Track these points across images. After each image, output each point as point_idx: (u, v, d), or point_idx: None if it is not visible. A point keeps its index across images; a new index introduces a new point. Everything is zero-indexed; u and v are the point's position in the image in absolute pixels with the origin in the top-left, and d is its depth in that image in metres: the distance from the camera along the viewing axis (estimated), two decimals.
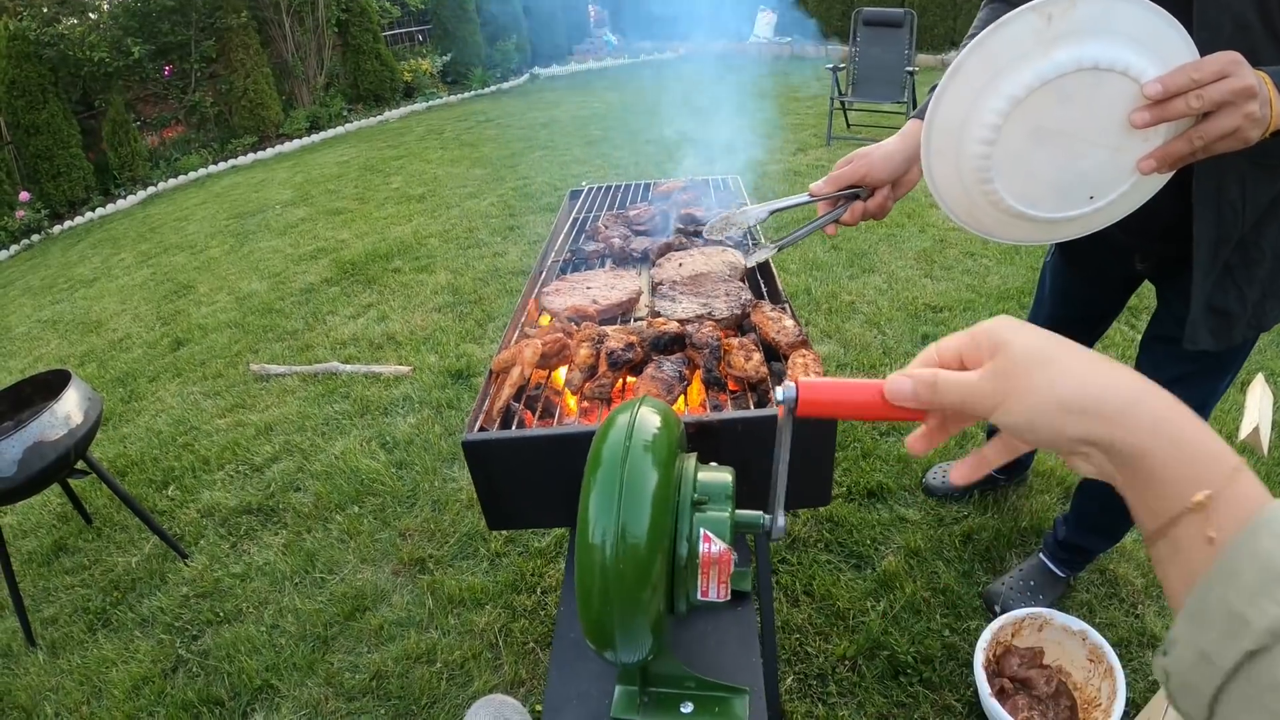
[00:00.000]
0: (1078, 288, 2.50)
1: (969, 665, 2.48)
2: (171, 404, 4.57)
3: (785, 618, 2.72)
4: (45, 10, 10.01)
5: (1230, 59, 1.21)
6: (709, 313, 1.93)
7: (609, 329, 1.87)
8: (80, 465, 3.00)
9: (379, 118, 13.00)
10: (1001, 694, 2.30)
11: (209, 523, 3.48)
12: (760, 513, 1.17)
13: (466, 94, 14.58)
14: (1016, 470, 3.19)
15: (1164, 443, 0.60)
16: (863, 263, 5.48)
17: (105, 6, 10.78)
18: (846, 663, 2.58)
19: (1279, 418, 3.69)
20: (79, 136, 9.93)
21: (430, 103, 13.96)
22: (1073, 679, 2.34)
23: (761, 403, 1.68)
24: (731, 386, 1.73)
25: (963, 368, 0.75)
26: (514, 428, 1.64)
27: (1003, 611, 2.61)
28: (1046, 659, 2.39)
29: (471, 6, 15.09)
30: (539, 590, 2.90)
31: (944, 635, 2.63)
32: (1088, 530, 2.61)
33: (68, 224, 9.58)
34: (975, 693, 2.37)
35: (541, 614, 2.81)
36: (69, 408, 2.85)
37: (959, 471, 0.78)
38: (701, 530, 1.10)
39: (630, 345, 1.72)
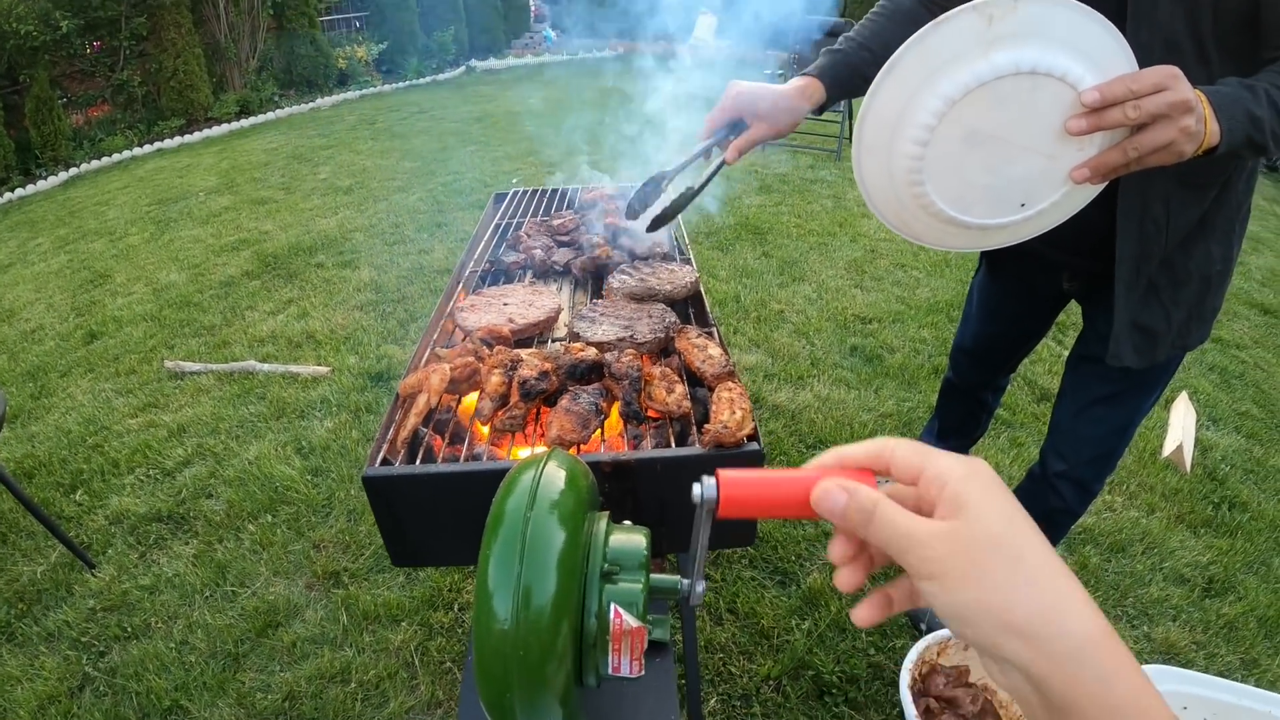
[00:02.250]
0: (1006, 305, 2.52)
1: (895, 685, 2.50)
2: (82, 401, 4.44)
3: (709, 637, 2.71)
4: None
5: (1169, 72, 1.22)
6: (631, 336, 1.88)
7: (524, 352, 1.82)
8: None
9: (310, 105, 12.79)
10: (928, 714, 2.29)
11: (118, 530, 3.38)
12: (678, 578, 1.12)
13: (401, 84, 14.43)
14: None
15: (1099, 706, 0.55)
16: (793, 271, 5.51)
17: None
18: (771, 683, 2.58)
19: (1201, 435, 3.77)
20: (1, 113, 9.64)
21: (364, 91, 13.78)
22: (999, 697, 2.35)
23: (683, 436, 1.65)
24: (652, 414, 1.69)
25: (886, 477, 0.69)
26: (419, 459, 1.59)
27: (929, 630, 2.63)
28: (972, 677, 2.39)
29: None
30: (456, 607, 2.86)
31: (869, 654, 2.65)
32: None
33: None
34: (901, 713, 2.37)
35: (459, 631, 2.77)
36: None
37: (862, 614, 0.70)
38: (612, 605, 1.05)
39: (544, 374, 1.67)
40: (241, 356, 4.70)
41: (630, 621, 1.05)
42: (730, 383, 1.68)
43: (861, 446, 0.71)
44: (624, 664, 1.07)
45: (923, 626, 2.70)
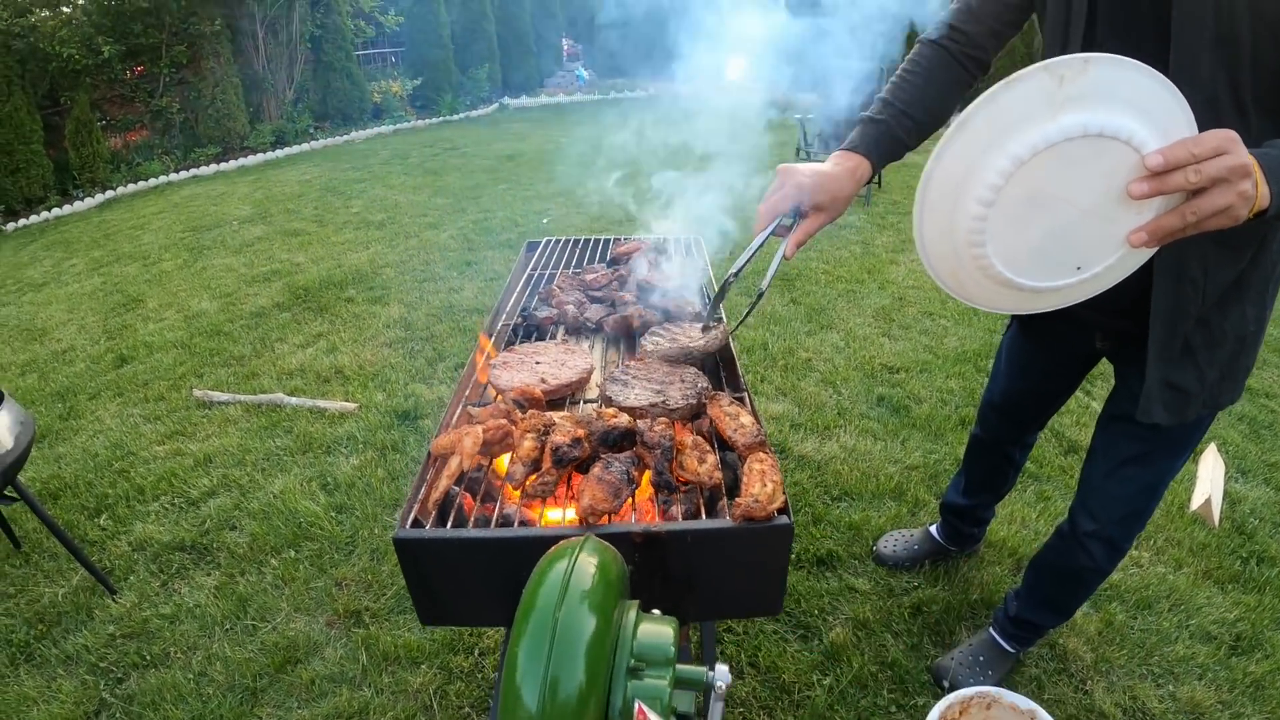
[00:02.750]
0: (1036, 362, 2.51)
1: None
2: (110, 425, 4.47)
3: (729, 691, 2.69)
4: (18, 1, 9.87)
5: (1228, 136, 1.21)
6: (664, 402, 1.88)
7: (556, 416, 1.81)
8: (9, 492, 2.92)
9: (345, 137, 12.94)
10: None
11: (140, 557, 3.39)
12: (704, 669, 1.11)
13: (435, 119, 14.58)
14: (969, 542, 3.18)
15: None
16: (821, 318, 5.50)
17: (80, 1, 10.66)
18: None
19: (1230, 488, 3.69)
20: (41, 133, 9.78)
21: (398, 126, 13.94)
22: None
23: (713, 502, 1.65)
24: (681, 480, 1.68)
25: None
26: (450, 522, 1.58)
27: (951, 688, 2.59)
28: None
29: (446, 33, 15.13)
30: (477, 652, 2.85)
31: (890, 711, 2.61)
32: (1039, 606, 2.59)
33: (22, 222, 9.43)
34: None
35: (479, 677, 2.76)
36: None
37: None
38: (637, 703, 1.04)
39: (577, 441, 1.66)
40: (270, 388, 4.74)
41: (653, 718, 1.04)
42: (762, 453, 1.66)
43: None
44: None
45: (945, 684, 2.67)
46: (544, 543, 1.42)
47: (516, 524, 1.60)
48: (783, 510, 1.50)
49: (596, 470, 1.59)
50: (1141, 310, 1.82)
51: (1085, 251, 1.42)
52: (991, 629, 2.74)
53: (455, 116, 14.85)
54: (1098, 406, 4.19)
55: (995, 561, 3.19)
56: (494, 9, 16.26)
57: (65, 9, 10.45)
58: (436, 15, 14.85)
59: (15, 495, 2.95)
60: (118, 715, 2.71)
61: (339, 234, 7.72)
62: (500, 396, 1.95)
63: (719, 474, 1.63)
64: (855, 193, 1.86)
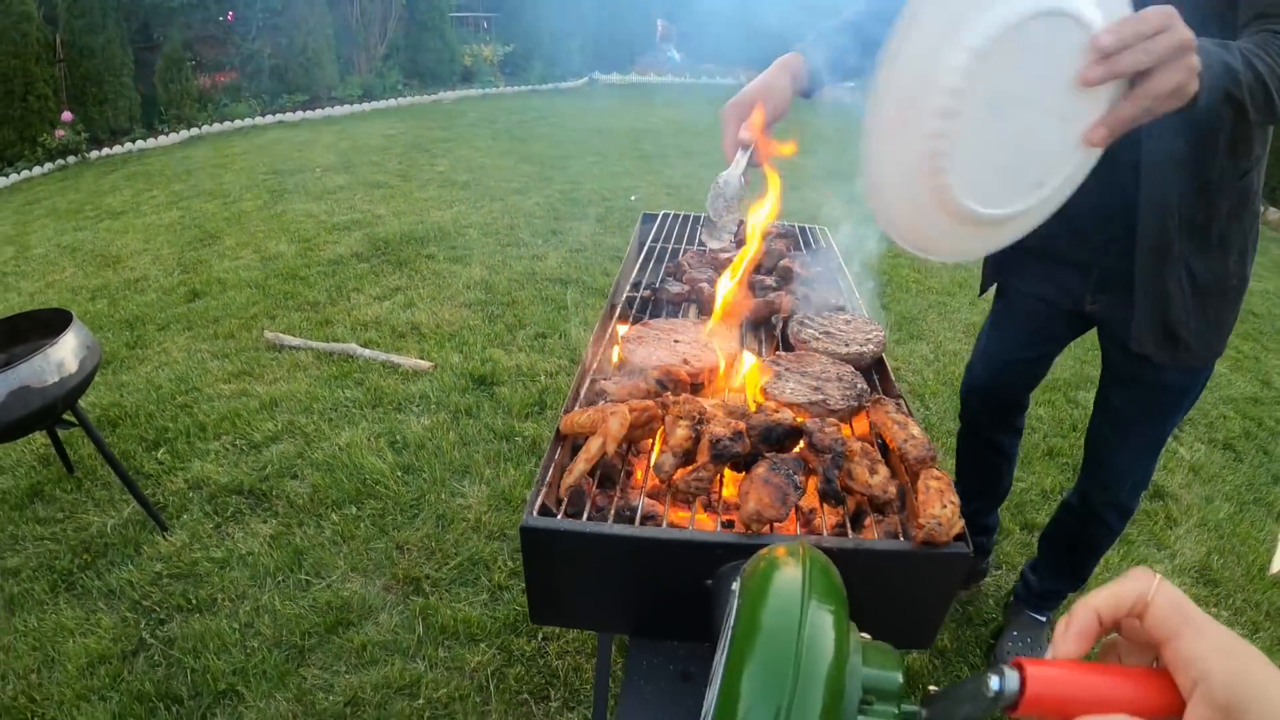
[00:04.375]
0: (1022, 328, 2.52)
1: None
2: (177, 358, 4.35)
3: None
4: None
5: (1167, 12, 1.17)
6: (823, 400, 1.65)
7: (706, 404, 1.59)
8: (68, 416, 2.80)
9: (432, 97, 12.88)
10: None
11: (195, 496, 3.25)
12: (917, 708, 0.90)
13: (523, 87, 14.47)
14: (979, 555, 3.08)
15: None
16: (911, 328, 5.29)
17: None
18: None
19: None
20: (132, 67, 9.82)
21: (486, 90, 13.85)
22: None
23: (858, 519, 1.44)
24: (849, 489, 1.46)
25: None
26: (585, 514, 1.38)
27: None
28: None
29: (541, 1, 14.99)
30: (540, 636, 2.67)
31: None
32: (1059, 575, 2.76)
33: (106, 151, 9.44)
34: None
35: (540, 663, 2.58)
36: (64, 354, 2.63)
37: None
38: None
39: (738, 434, 1.44)
40: (343, 338, 4.60)
41: None
42: (936, 470, 1.44)
43: (1121, 588, 0.64)
44: None
45: None
46: (696, 548, 1.28)
47: (661, 522, 1.39)
48: (959, 536, 1.30)
49: (761, 470, 1.36)
50: (1127, 248, 1.91)
51: (1045, 162, 1.34)
52: (1025, 608, 2.86)
53: (544, 86, 14.70)
54: (1185, 452, 4.16)
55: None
56: None
57: None
58: None
59: (74, 420, 2.82)
60: (156, 657, 2.58)
61: (422, 190, 7.57)
62: (643, 375, 1.72)
63: (893, 488, 1.42)
64: (791, 84, 1.85)
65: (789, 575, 0.88)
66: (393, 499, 3.26)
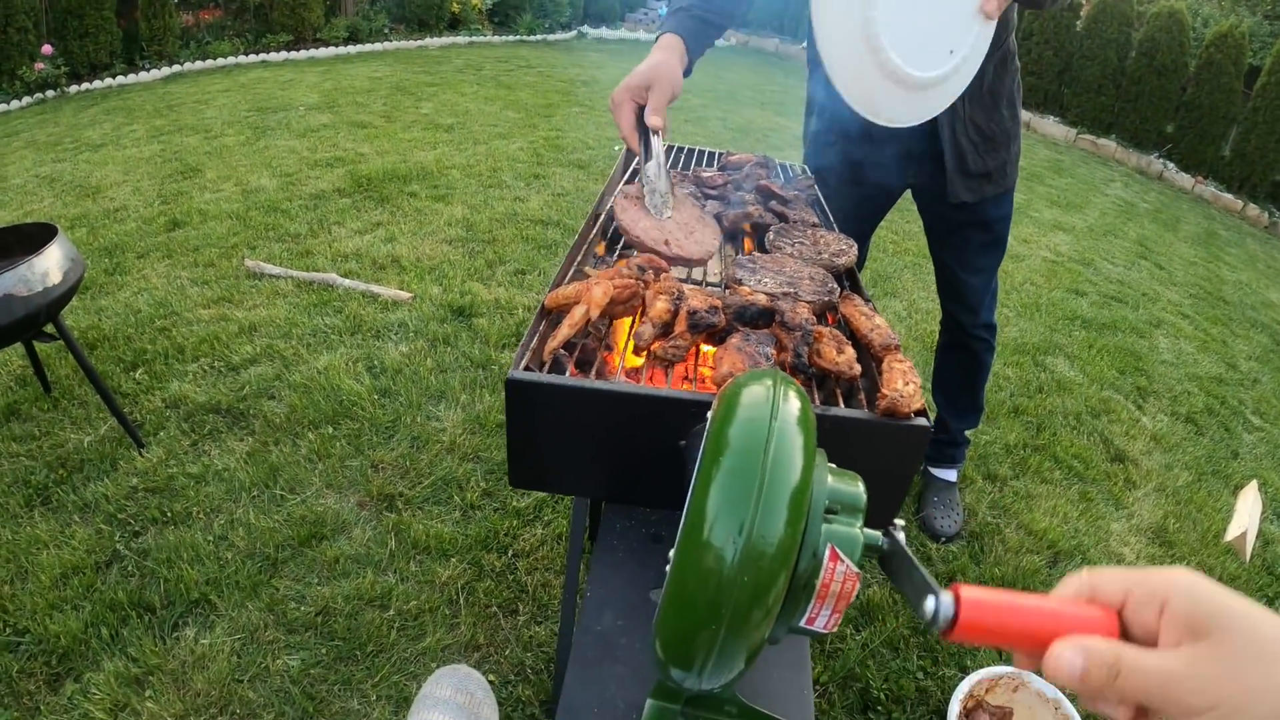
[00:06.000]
0: (856, 198, 2.82)
1: (939, 713, 2.42)
2: (156, 284, 4.34)
3: None
4: None
5: None
6: (795, 292, 1.70)
7: (687, 287, 1.64)
8: (49, 329, 2.80)
9: (419, 42, 12.75)
10: None
11: (173, 415, 3.26)
12: (879, 534, 0.93)
13: (511, 37, 14.35)
14: None
15: None
16: (886, 286, 5.38)
17: None
18: (819, 688, 2.44)
19: (1265, 528, 3.61)
20: (114, 1, 9.65)
21: (473, 38, 13.71)
22: None
23: (829, 400, 1.48)
24: (818, 365, 1.53)
25: (1119, 620, 0.61)
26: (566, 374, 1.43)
27: (938, 534, 3.10)
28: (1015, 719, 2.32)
29: None
30: (510, 553, 2.71)
31: (918, 678, 2.53)
32: (959, 413, 3.15)
33: (85, 86, 9.29)
34: None
35: (510, 578, 2.62)
36: (48, 265, 2.63)
37: None
38: (830, 545, 0.88)
39: (714, 309, 1.51)
40: (323, 269, 4.58)
41: (849, 566, 0.88)
42: (899, 355, 1.52)
43: (1065, 588, 0.65)
44: (822, 615, 0.91)
45: (940, 536, 3.10)
46: (675, 406, 1.33)
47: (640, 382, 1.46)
48: (920, 412, 1.36)
49: (735, 340, 1.45)
50: (928, 125, 2.10)
51: (953, 32, 1.72)
52: (933, 468, 3.25)
53: (532, 37, 14.56)
54: (1147, 421, 4.30)
55: (1034, 550, 3.14)
56: None
57: None
58: None
59: (55, 334, 2.82)
60: (130, 568, 2.60)
61: (406, 131, 7.52)
62: (623, 262, 1.76)
63: (858, 366, 1.48)
64: (679, 65, 2.00)
65: (756, 392, 0.91)
66: (369, 420, 3.29)
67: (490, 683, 2.17)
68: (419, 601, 2.52)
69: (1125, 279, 6.68)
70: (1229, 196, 10.98)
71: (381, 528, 2.78)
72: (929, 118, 1.98)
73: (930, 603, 0.64)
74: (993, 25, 1.74)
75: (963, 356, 3.02)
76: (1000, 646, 0.68)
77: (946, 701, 2.30)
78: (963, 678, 2.29)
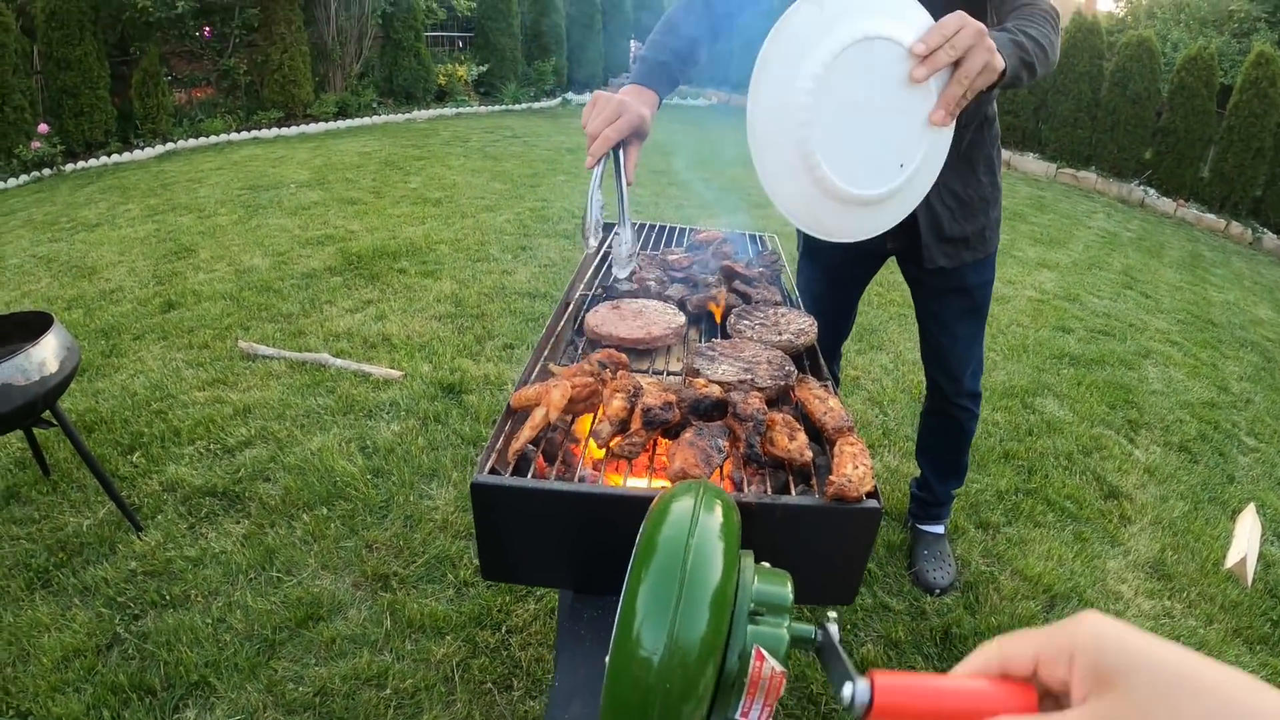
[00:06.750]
0: (835, 269, 2.90)
1: None
2: (152, 366, 4.42)
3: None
4: None
5: (959, 15, 1.51)
6: (751, 379, 1.79)
7: (644, 380, 1.74)
8: (47, 416, 2.87)
9: (407, 115, 12.95)
10: None
11: (170, 498, 3.33)
12: (813, 627, 1.02)
13: (497, 107, 14.57)
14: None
15: None
16: (872, 339, 5.45)
17: None
18: None
19: (1266, 550, 3.64)
20: (108, 80, 9.82)
21: (460, 110, 13.92)
22: None
23: (785, 488, 1.57)
24: (770, 454, 1.61)
25: (1034, 683, 0.62)
26: (530, 474, 1.51)
27: (932, 588, 3.13)
28: None
29: (516, 22, 15.12)
30: (504, 629, 2.77)
31: None
32: (943, 475, 3.20)
33: (81, 164, 9.44)
34: None
35: (504, 654, 2.68)
36: (45, 354, 2.72)
37: None
38: (755, 646, 0.94)
39: (669, 405, 1.59)
40: (316, 348, 4.67)
41: (774, 666, 0.94)
42: (851, 437, 1.60)
43: (971, 663, 0.66)
44: (754, 711, 0.96)
45: (935, 590, 3.11)
46: (631, 503, 1.40)
47: (599, 482, 1.54)
48: (872, 494, 1.45)
49: (688, 435, 1.53)
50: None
51: (901, 146, 1.66)
52: (920, 525, 3.32)
53: (518, 106, 14.79)
54: (1140, 454, 4.33)
55: (1030, 596, 3.16)
56: (565, 3, 16.25)
57: None
58: (508, 4, 14.82)
59: (52, 421, 2.90)
60: (130, 651, 2.65)
61: (395, 207, 7.65)
62: (586, 358, 1.86)
63: (809, 453, 1.57)
64: (650, 116, 2.07)
65: (683, 503, 1.01)
66: (362, 500, 3.35)
67: None
68: (415, 680, 2.57)
69: (1112, 311, 6.77)
70: (1211, 217, 11.29)
71: (377, 607, 2.84)
72: (889, 228, 1.99)
73: (848, 689, 0.68)
74: (949, 130, 1.67)
75: (946, 423, 3.02)
76: None
77: None
78: None
